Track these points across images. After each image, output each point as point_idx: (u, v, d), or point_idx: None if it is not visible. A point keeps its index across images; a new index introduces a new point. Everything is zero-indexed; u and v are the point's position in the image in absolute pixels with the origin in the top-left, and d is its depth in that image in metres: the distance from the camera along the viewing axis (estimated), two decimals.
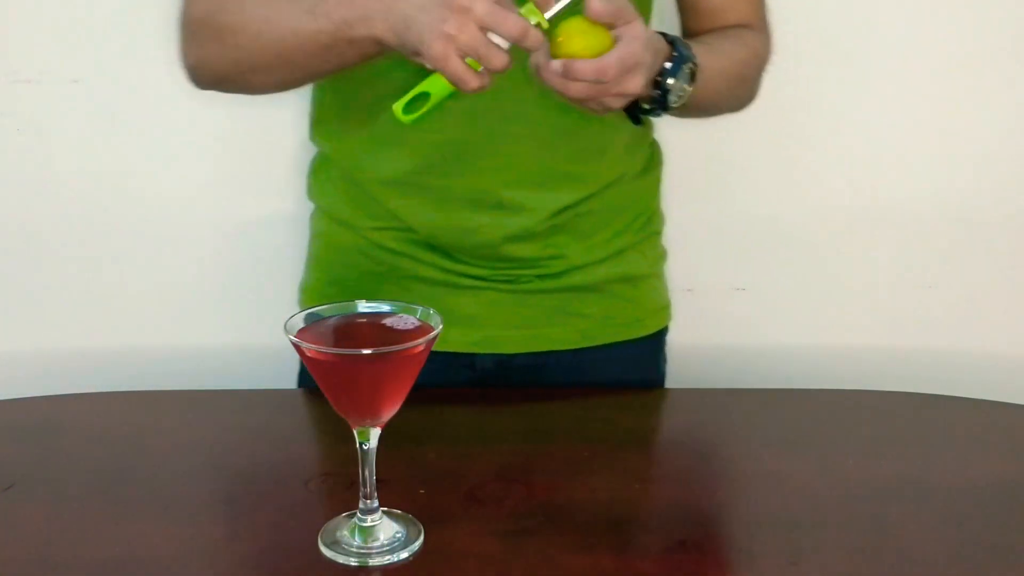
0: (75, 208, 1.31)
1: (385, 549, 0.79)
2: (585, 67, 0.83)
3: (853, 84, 1.28)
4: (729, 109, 1.09)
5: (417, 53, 0.83)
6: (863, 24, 1.26)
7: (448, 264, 1.06)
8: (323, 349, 0.75)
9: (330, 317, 0.81)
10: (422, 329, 0.78)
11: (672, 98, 0.93)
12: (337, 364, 0.75)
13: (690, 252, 1.35)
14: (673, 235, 1.33)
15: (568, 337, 1.10)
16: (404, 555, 0.79)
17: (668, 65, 0.92)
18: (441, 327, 0.77)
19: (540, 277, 1.07)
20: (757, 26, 1.08)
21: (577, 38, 0.84)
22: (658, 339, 1.17)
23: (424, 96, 0.84)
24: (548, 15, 0.84)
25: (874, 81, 1.28)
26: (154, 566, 0.79)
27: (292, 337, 0.76)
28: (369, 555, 0.79)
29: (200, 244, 1.34)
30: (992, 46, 1.27)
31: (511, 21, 0.80)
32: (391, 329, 0.80)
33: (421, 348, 0.75)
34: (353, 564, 0.78)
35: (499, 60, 0.82)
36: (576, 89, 0.85)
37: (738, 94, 1.07)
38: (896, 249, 1.34)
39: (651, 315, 1.15)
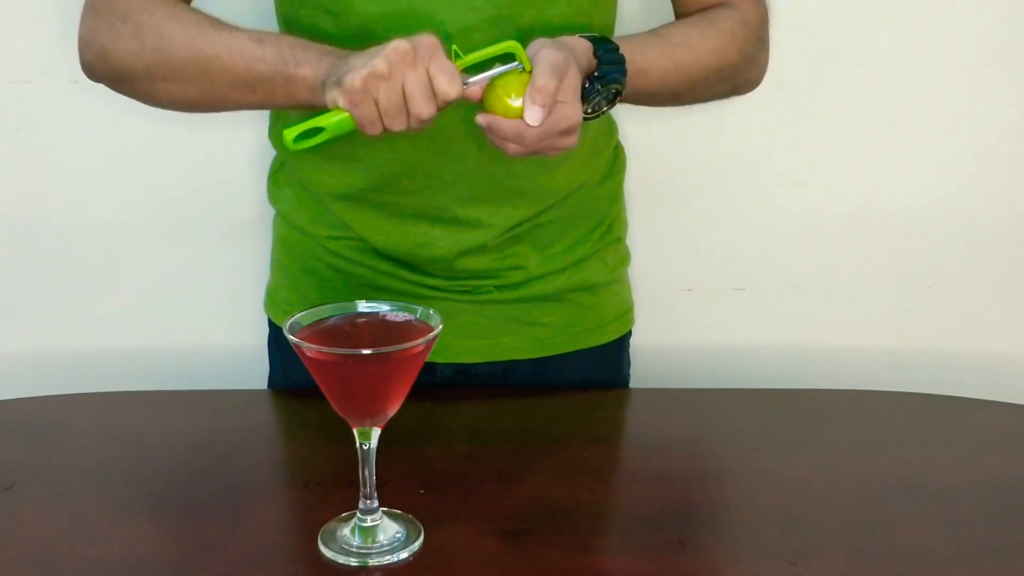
0: (74, 208, 1.31)
1: (385, 549, 0.79)
2: (506, 126, 0.84)
3: (853, 84, 1.28)
4: (712, 98, 1.06)
5: (338, 83, 0.83)
6: (864, 24, 1.26)
7: (406, 274, 1.06)
8: (323, 349, 0.75)
9: (330, 317, 0.81)
10: (422, 328, 0.78)
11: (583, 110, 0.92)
12: (337, 364, 0.75)
13: (690, 252, 1.35)
14: (672, 235, 1.33)
15: (527, 346, 1.09)
16: (404, 555, 0.79)
17: (586, 84, 0.90)
18: (441, 327, 0.77)
19: (499, 288, 1.07)
20: (740, 2, 1.04)
21: (503, 99, 0.84)
22: (620, 343, 1.16)
23: (318, 129, 0.84)
24: (469, 82, 0.84)
25: (874, 81, 1.28)
26: (154, 566, 0.79)
27: (292, 337, 0.76)
28: (369, 555, 0.79)
29: (200, 243, 1.33)
30: (992, 46, 1.26)
31: (449, 83, 0.82)
32: (391, 329, 0.80)
33: (421, 348, 0.76)
34: (353, 564, 0.78)
35: (400, 123, 0.83)
36: (511, 150, 0.86)
37: (715, 83, 1.03)
38: (896, 249, 1.34)
39: (612, 321, 1.14)
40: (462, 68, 0.84)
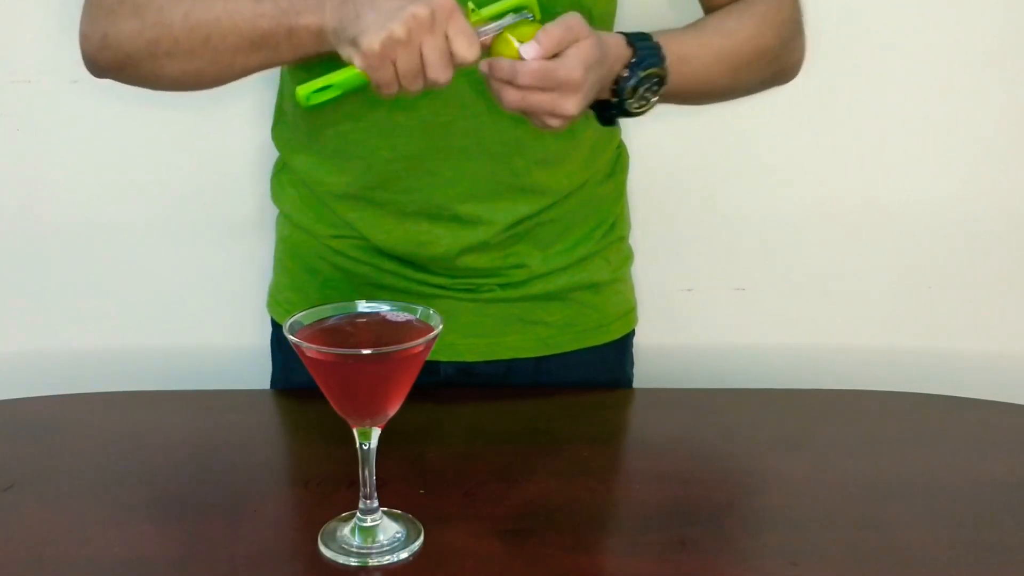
0: (74, 208, 1.31)
1: (385, 549, 0.79)
2: (503, 66, 0.83)
3: (853, 85, 1.28)
4: (758, 86, 1.05)
5: (354, 43, 0.82)
6: (864, 25, 1.26)
7: (409, 273, 1.06)
8: (323, 349, 0.75)
9: (330, 317, 0.81)
10: (422, 328, 0.78)
11: (632, 104, 0.91)
12: (337, 364, 0.75)
13: (690, 252, 1.35)
14: (673, 235, 1.33)
15: (530, 345, 1.09)
16: (404, 555, 0.79)
17: (625, 73, 0.90)
18: (441, 327, 0.77)
19: (501, 286, 1.07)
20: None
21: (510, 43, 0.84)
22: (623, 342, 1.16)
23: (330, 86, 0.83)
24: (481, 31, 0.83)
25: (875, 82, 1.28)
26: (154, 566, 0.79)
27: (292, 337, 0.76)
28: (369, 555, 0.79)
29: (202, 243, 1.33)
30: (992, 47, 1.27)
31: (468, 48, 0.81)
32: (391, 329, 0.80)
33: (421, 348, 0.75)
34: (353, 564, 0.78)
35: (417, 85, 0.82)
36: (508, 97, 0.84)
37: (756, 70, 1.02)
38: (896, 249, 1.34)
39: (615, 321, 1.13)
40: (476, 21, 0.84)
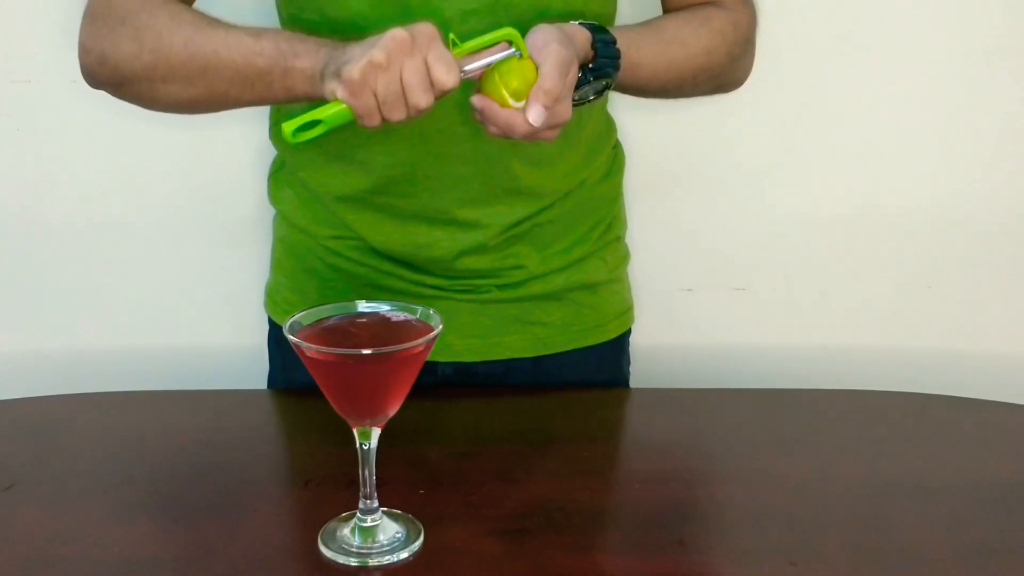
0: (74, 208, 1.31)
1: (385, 549, 0.79)
2: (499, 115, 0.84)
3: (853, 85, 1.28)
4: (697, 94, 1.07)
5: (336, 74, 0.82)
6: (864, 25, 1.26)
7: (407, 274, 1.06)
8: (323, 349, 0.75)
9: (330, 317, 0.81)
10: (422, 328, 0.78)
11: (572, 97, 0.91)
12: (337, 364, 0.75)
13: (690, 252, 1.35)
14: (672, 235, 1.33)
15: (528, 345, 1.09)
16: (404, 555, 0.79)
17: (579, 74, 0.91)
18: (441, 327, 0.77)
19: (499, 287, 1.07)
20: (731, 3, 1.05)
21: (500, 89, 0.84)
22: (620, 342, 1.16)
23: (317, 122, 0.84)
24: (466, 69, 0.84)
25: (874, 82, 1.28)
26: (154, 566, 0.79)
27: (292, 337, 0.76)
28: (369, 555, 0.79)
29: (200, 243, 1.33)
30: (992, 47, 1.26)
31: (447, 73, 0.81)
32: (391, 329, 0.80)
33: (421, 348, 0.76)
34: (353, 564, 0.78)
35: (399, 113, 0.83)
36: (494, 132, 0.86)
37: (702, 81, 1.04)
38: (896, 249, 1.34)
39: (612, 320, 1.14)
40: (460, 56, 0.84)
